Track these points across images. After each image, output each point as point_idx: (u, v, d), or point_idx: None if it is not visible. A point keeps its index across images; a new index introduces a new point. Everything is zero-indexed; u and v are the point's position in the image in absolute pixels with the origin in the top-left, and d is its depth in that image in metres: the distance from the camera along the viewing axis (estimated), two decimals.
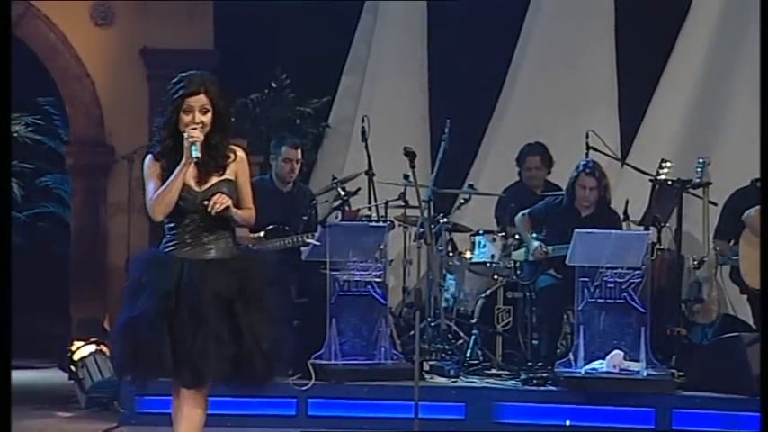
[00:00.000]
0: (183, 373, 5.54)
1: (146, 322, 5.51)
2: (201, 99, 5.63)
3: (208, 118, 5.62)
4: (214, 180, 5.66)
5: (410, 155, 7.19)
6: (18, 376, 10.16)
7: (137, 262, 5.79)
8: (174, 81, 5.71)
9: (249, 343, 5.60)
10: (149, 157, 5.71)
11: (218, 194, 5.59)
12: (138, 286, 5.61)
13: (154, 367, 5.54)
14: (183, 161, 5.58)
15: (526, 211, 9.37)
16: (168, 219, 5.66)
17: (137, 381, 5.69)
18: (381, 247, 8.94)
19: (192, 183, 5.63)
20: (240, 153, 5.76)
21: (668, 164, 9.31)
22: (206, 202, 5.58)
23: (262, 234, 8.89)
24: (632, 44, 11.12)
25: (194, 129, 5.58)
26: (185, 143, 5.57)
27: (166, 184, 5.59)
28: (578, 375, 8.49)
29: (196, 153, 5.56)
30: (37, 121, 11.79)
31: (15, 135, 11.54)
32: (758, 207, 8.91)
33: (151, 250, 5.91)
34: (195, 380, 5.60)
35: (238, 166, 5.74)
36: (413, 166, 7.24)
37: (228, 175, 5.70)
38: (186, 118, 5.61)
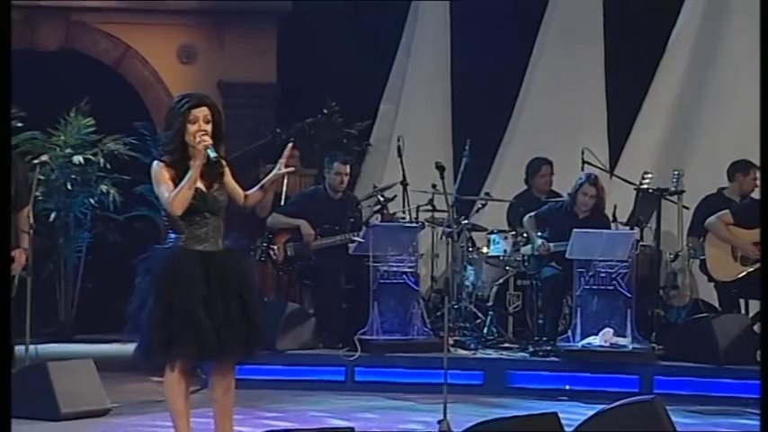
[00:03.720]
0: (224, 352, 5.36)
1: (187, 309, 5.25)
2: (204, 110, 5.36)
3: (209, 128, 5.36)
4: (217, 185, 5.44)
5: (440, 168, 7.18)
6: (118, 348, 10.22)
7: (157, 258, 5.37)
8: (177, 99, 5.47)
9: (255, 322, 5.46)
10: (158, 163, 5.38)
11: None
12: (167, 279, 5.28)
13: (195, 350, 5.30)
14: (198, 162, 5.30)
15: (533, 213, 9.34)
16: (182, 217, 5.33)
17: (168, 362, 5.35)
18: (414, 243, 8.93)
19: (202, 186, 5.38)
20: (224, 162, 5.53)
21: (649, 175, 9.29)
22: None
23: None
24: (619, 77, 11.07)
25: (204, 135, 5.33)
26: (199, 146, 5.29)
27: (183, 183, 5.28)
28: (576, 349, 8.47)
29: (214, 153, 5.33)
30: (133, 141, 11.79)
31: (116, 152, 11.59)
32: (718, 214, 8.92)
33: (168, 247, 5.42)
34: (234, 356, 5.45)
35: (227, 171, 5.53)
36: (442, 178, 7.21)
37: (225, 181, 5.52)
38: (192, 127, 5.33)
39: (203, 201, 5.39)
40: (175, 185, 5.32)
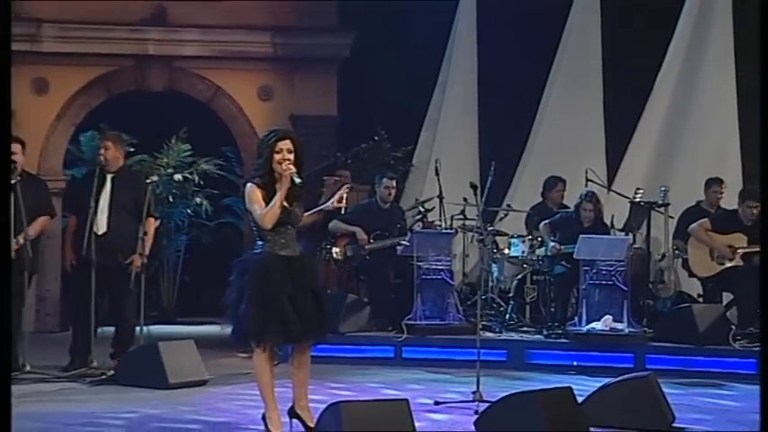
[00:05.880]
0: (303, 337, 5.45)
1: (277, 304, 5.30)
2: (287, 143, 5.38)
3: (292, 158, 5.36)
4: (296, 203, 5.47)
5: (474, 187, 7.23)
6: (211, 329, 10.34)
7: (250, 261, 5.42)
8: (266, 133, 5.50)
9: (326, 313, 5.56)
10: (251, 185, 5.39)
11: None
12: (261, 278, 5.32)
13: (282, 336, 5.39)
14: (285, 186, 5.32)
15: (547, 221, 9.35)
16: (269, 229, 5.39)
17: (260, 345, 5.40)
18: (449, 246, 8.98)
19: (286, 204, 5.39)
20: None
21: (641, 191, 9.30)
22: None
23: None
24: (615, 109, 11.05)
25: (289, 163, 5.34)
26: (285, 173, 5.32)
27: (273, 203, 5.32)
28: (582, 332, 8.49)
29: (299, 179, 5.34)
30: (221, 163, 11.93)
31: (208, 172, 11.72)
32: (699, 222, 8.96)
33: (259, 252, 5.44)
34: (311, 341, 5.53)
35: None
36: (475, 195, 7.29)
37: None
38: (277, 156, 5.35)
39: (288, 216, 5.45)
40: (266, 203, 5.39)
